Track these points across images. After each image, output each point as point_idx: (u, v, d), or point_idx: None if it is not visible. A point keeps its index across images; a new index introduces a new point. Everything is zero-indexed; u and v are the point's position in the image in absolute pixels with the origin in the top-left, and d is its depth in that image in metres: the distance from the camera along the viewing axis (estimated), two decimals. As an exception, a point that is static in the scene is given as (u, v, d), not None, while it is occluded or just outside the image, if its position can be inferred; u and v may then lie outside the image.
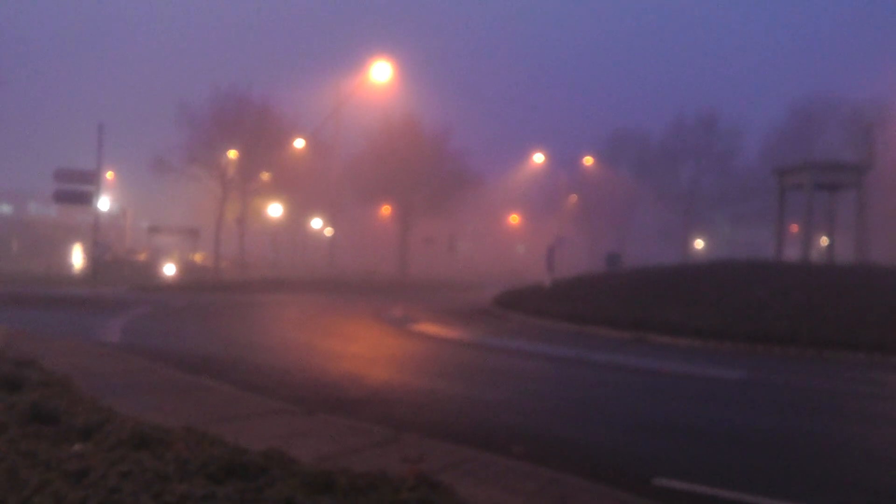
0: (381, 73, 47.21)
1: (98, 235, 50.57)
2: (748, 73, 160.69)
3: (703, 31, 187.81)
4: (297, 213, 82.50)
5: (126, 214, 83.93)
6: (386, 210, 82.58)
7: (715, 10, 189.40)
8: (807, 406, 14.28)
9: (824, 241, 45.33)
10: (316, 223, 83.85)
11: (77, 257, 67.39)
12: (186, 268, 60.33)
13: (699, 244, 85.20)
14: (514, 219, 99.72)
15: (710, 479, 8.50)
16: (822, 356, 20.67)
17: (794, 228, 48.07)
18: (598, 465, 8.85)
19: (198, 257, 68.01)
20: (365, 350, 20.36)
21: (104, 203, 54.68)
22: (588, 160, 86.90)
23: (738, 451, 10.21)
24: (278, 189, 73.43)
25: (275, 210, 74.60)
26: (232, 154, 65.56)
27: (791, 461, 9.82)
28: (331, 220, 72.41)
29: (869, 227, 40.65)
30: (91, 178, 46.49)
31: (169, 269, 56.96)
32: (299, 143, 67.98)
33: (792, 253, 42.13)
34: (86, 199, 47.15)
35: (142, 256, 63.62)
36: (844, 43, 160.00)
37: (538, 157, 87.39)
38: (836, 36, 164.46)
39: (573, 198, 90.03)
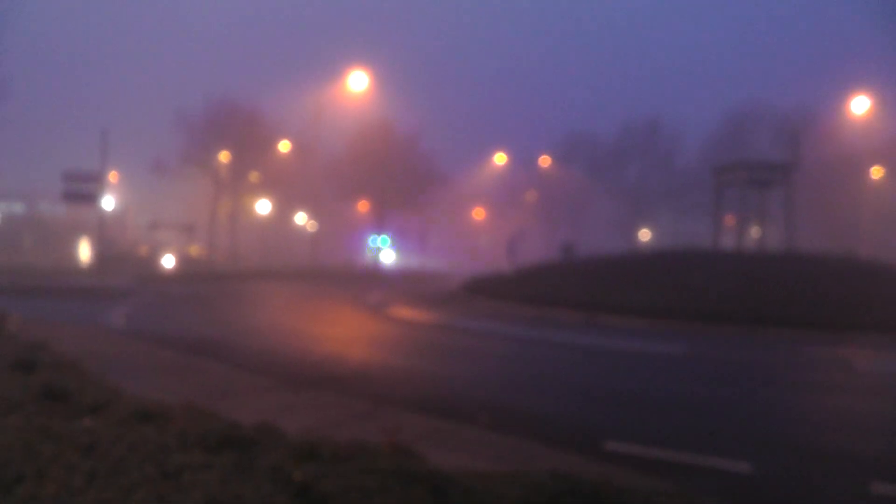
0: (358, 81, 47.25)
1: (103, 232, 50.16)
2: (688, 82, 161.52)
3: (649, 44, 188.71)
4: (284, 210, 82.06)
5: (128, 212, 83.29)
6: (363, 206, 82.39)
7: (658, 26, 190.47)
8: (742, 377, 14.43)
9: (756, 231, 45.67)
10: (300, 218, 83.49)
11: (84, 252, 66.76)
12: (184, 260, 59.88)
13: (645, 234, 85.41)
14: (479, 213, 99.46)
15: (657, 442, 8.58)
16: (755, 332, 20.86)
17: (730, 220, 48.37)
18: (555, 433, 8.91)
19: (193, 250, 67.61)
20: (345, 332, 20.38)
21: (108, 202, 54.07)
22: (545, 160, 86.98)
23: (681, 418, 10.33)
24: (266, 187, 73.21)
25: (263, 206, 74.25)
26: (224, 156, 65.32)
27: (728, 425, 9.96)
28: (313, 215, 72.18)
29: (796, 219, 41.03)
30: (96, 179, 46.00)
31: (168, 262, 56.53)
32: (284, 146, 67.90)
33: (728, 242, 42.44)
34: (91, 199, 46.67)
35: (143, 250, 63.09)
36: (773, 55, 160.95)
37: (500, 157, 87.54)
38: (765, 49, 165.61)
39: (532, 194, 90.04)
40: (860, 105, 52.48)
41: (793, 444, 8.94)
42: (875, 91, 54.11)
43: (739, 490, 7.11)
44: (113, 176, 66.24)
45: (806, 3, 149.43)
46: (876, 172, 65.30)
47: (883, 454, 8.81)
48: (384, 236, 73.14)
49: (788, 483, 7.43)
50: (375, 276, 56.61)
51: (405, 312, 25.88)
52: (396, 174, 72.06)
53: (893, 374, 15.57)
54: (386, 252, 75.34)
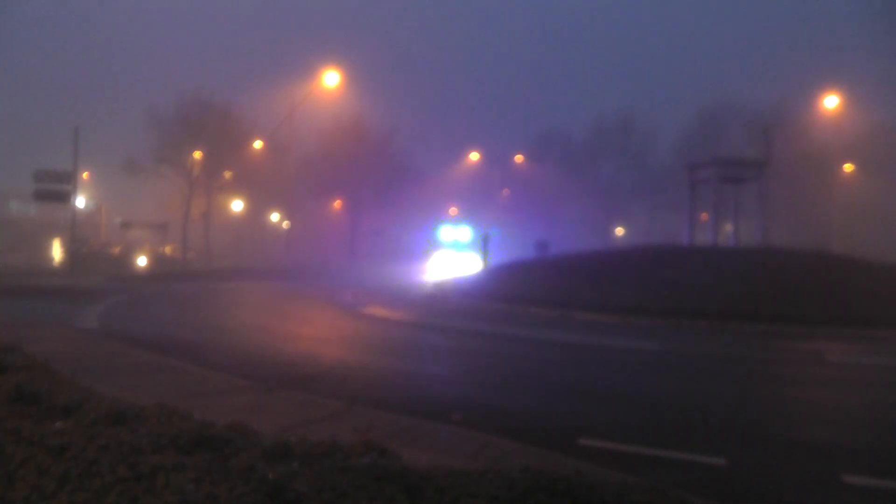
0: (331, 79, 47.25)
1: (76, 231, 49.83)
2: (661, 79, 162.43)
3: (622, 42, 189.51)
4: (257, 208, 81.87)
5: (101, 211, 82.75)
6: (337, 204, 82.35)
7: (631, 24, 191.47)
8: (715, 371, 14.59)
9: (730, 227, 45.89)
10: (274, 217, 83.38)
11: (56, 251, 66.29)
12: (157, 259, 59.61)
13: (619, 231, 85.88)
14: (453, 211, 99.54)
15: (630, 438, 8.65)
16: (728, 328, 21.02)
17: (704, 217, 48.61)
18: (528, 429, 8.94)
19: (167, 249, 67.31)
20: (319, 331, 20.35)
21: (80, 201, 53.83)
22: (519, 158, 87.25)
23: (654, 413, 10.39)
24: (240, 186, 73.00)
25: (237, 205, 74.10)
26: (197, 154, 65.02)
27: (703, 419, 10.04)
28: (287, 213, 72.05)
29: (769, 214, 41.33)
30: (68, 178, 45.88)
31: (141, 261, 56.28)
32: (258, 144, 67.81)
33: (702, 238, 42.61)
34: (63, 198, 46.55)
35: (116, 249, 62.70)
36: (746, 53, 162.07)
37: (474, 156, 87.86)
38: (738, 46, 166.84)
39: (505, 192, 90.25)
40: (831, 102, 53.06)
41: (767, 437, 9.05)
42: (846, 88, 54.76)
43: (714, 483, 7.18)
44: (85, 175, 65.89)
45: (779, 0, 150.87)
46: (847, 168, 66.15)
47: (855, 446, 8.93)
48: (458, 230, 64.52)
49: (763, 475, 7.51)
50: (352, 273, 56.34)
51: (379, 310, 25.84)
52: (369, 172, 72.19)
53: (865, 367, 15.73)
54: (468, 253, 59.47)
